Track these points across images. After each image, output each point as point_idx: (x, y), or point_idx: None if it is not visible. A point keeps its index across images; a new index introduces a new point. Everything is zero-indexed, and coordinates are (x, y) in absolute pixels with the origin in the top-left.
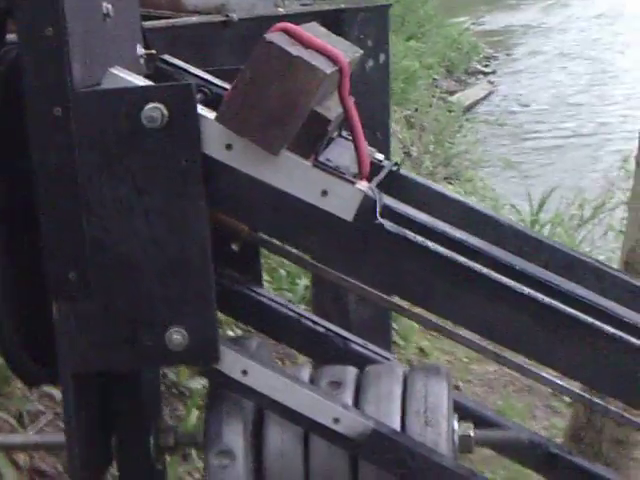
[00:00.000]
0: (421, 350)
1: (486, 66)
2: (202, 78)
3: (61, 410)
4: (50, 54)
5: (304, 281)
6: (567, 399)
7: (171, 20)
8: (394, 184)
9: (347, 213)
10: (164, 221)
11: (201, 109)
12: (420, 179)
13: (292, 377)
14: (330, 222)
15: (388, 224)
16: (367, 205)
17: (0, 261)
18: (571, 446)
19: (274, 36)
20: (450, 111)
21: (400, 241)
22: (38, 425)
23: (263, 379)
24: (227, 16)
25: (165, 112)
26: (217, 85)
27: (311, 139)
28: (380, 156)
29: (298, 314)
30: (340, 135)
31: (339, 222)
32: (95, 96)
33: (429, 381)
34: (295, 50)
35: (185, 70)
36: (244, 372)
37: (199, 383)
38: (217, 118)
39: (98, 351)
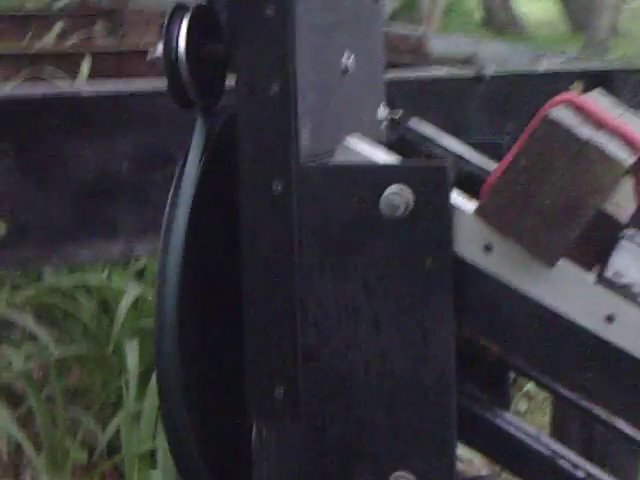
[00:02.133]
0: None
1: None
2: (453, 151)
3: None
4: (274, 116)
5: None
6: None
7: (415, 72)
8: None
9: (638, 347)
10: (398, 334)
11: (455, 197)
12: None
13: None
14: (613, 355)
15: None
16: None
17: (187, 364)
18: None
19: (559, 112)
20: None
21: None
22: None
23: None
24: (480, 71)
25: (410, 199)
26: (471, 162)
27: (595, 246)
28: None
29: (553, 451)
30: (627, 237)
31: (625, 357)
32: (325, 172)
33: None
34: (587, 133)
35: (433, 141)
36: None
37: None
38: (477, 212)
39: None
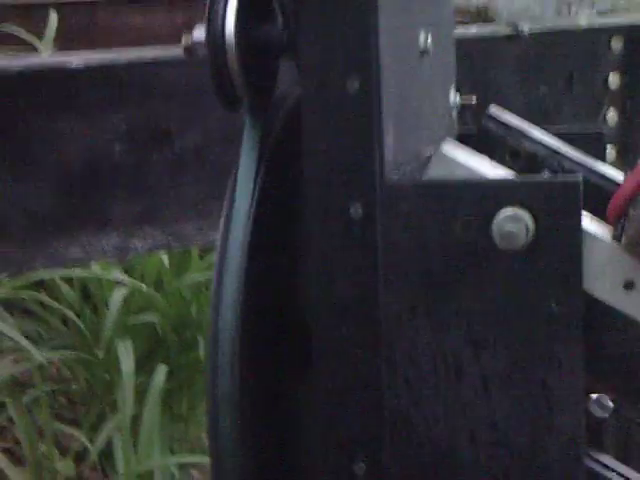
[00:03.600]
0: None
1: None
2: (551, 148)
3: None
4: (352, 120)
5: None
6: None
7: None
8: None
9: None
10: (513, 395)
11: (585, 220)
12: None
13: None
14: None
15: None
16: None
17: (246, 428)
18: None
19: None
20: None
21: None
22: None
23: None
24: (516, 28)
25: (531, 224)
26: (586, 167)
27: None
28: None
29: None
30: None
31: None
32: (419, 190)
33: None
34: None
35: (522, 133)
36: None
37: None
38: (617, 239)
39: None
